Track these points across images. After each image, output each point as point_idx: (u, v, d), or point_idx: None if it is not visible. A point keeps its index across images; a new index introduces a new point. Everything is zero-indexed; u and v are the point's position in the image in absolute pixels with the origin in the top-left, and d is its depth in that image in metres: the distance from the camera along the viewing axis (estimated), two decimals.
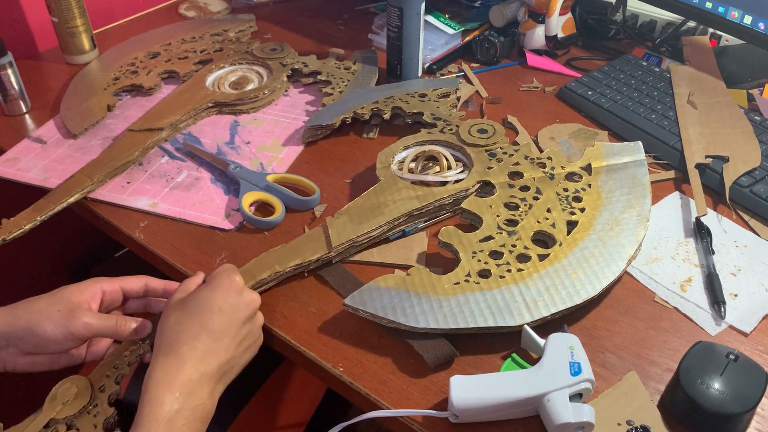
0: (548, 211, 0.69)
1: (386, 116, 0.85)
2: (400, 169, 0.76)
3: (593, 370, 0.55)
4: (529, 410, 0.53)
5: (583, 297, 0.60)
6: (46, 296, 0.58)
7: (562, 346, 0.54)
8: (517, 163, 0.75)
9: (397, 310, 0.59)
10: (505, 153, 0.77)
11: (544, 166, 0.75)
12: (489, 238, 0.66)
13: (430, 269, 0.64)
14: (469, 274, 0.62)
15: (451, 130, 0.81)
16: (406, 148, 0.79)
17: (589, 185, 0.72)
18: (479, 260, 0.64)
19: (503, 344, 0.59)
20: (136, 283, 0.62)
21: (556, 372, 0.52)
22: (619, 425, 0.53)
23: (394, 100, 0.87)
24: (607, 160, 0.76)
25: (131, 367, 0.59)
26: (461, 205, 0.70)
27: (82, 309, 0.57)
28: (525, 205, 0.70)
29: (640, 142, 0.78)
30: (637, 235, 0.66)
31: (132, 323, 0.59)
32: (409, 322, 0.58)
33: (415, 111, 0.85)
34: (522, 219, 0.68)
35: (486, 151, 0.77)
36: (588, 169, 0.75)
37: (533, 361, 0.57)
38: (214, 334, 0.54)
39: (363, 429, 0.71)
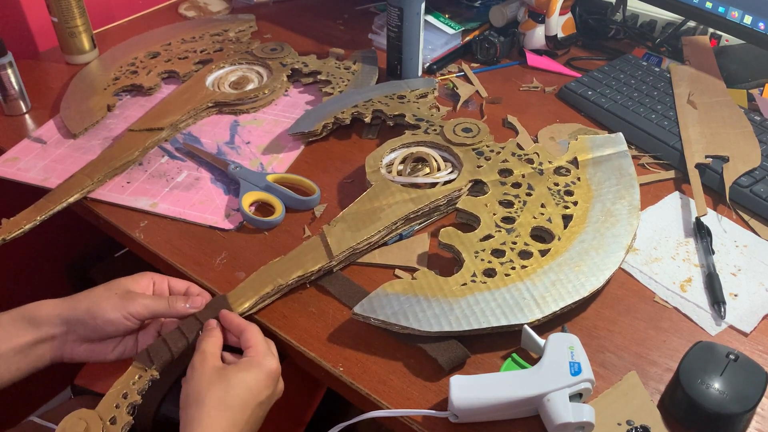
0: (542, 206, 0.70)
1: (367, 120, 0.85)
2: (389, 172, 0.76)
3: (593, 370, 0.55)
4: (529, 410, 0.53)
5: (589, 289, 0.61)
6: (102, 286, 0.61)
7: (562, 346, 0.54)
8: (505, 161, 0.76)
9: (408, 315, 0.59)
10: (492, 151, 0.77)
11: (532, 162, 0.76)
12: (489, 236, 0.66)
13: (434, 270, 0.64)
14: (474, 275, 0.62)
15: (435, 130, 0.81)
16: (393, 150, 0.79)
17: (578, 178, 0.73)
18: (482, 259, 0.64)
19: (503, 344, 0.59)
20: (180, 283, 0.64)
21: (556, 372, 0.52)
22: (619, 425, 0.53)
23: (373, 103, 0.87)
24: (592, 153, 0.76)
25: (142, 396, 0.57)
26: (457, 205, 0.70)
27: (137, 292, 0.61)
28: (519, 201, 0.70)
29: (621, 134, 0.79)
30: (631, 225, 0.67)
31: (182, 301, 0.60)
32: (423, 327, 0.58)
33: (396, 113, 0.85)
34: (518, 216, 0.68)
35: (473, 149, 0.77)
36: (575, 162, 0.75)
37: (533, 361, 0.57)
38: (249, 427, 0.55)
39: (363, 429, 0.71)
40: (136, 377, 0.57)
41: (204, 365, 0.55)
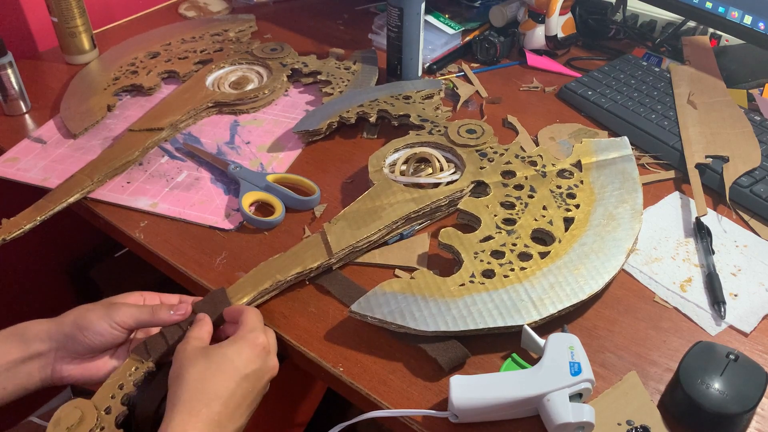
0: (544, 208, 0.69)
1: (372, 119, 0.85)
2: (392, 172, 0.76)
3: (593, 370, 0.55)
4: (529, 410, 0.53)
5: (587, 292, 0.61)
6: (91, 303, 0.60)
7: (562, 346, 0.54)
8: (508, 162, 0.76)
9: (405, 314, 0.59)
10: (495, 152, 0.77)
11: (535, 164, 0.75)
12: (489, 238, 0.66)
13: (433, 271, 0.64)
14: (473, 275, 0.62)
15: (439, 131, 0.81)
16: (396, 150, 0.79)
17: (581, 182, 0.73)
18: (482, 260, 0.64)
19: (503, 344, 0.59)
20: (172, 297, 0.63)
21: (556, 372, 0.52)
22: (619, 425, 0.53)
23: (379, 103, 0.87)
24: (596, 156, 0.76)
25: (138, 387, 0.57)
26: (458, 206, 0.70)
27: (122, 302, 0.60)
28: (521, 203, 0.70)
29: (626, 138, 0.79)
30: (633, 229, 0.67)
31: (166, 309, 0.59)
32: (419, 326, 0.58)
33: (401, 113, 0.85)
34: (519, 218, 0.68)
35: (477, 151, 0.77)
36: (578, 165, 0.75)
37: (533, 361, 0.57)
38: (235, 401, 0.53)
39: (363, 429, 0.71)
40: (133, 369, 0.57)
41: (186, 347, 0.55)
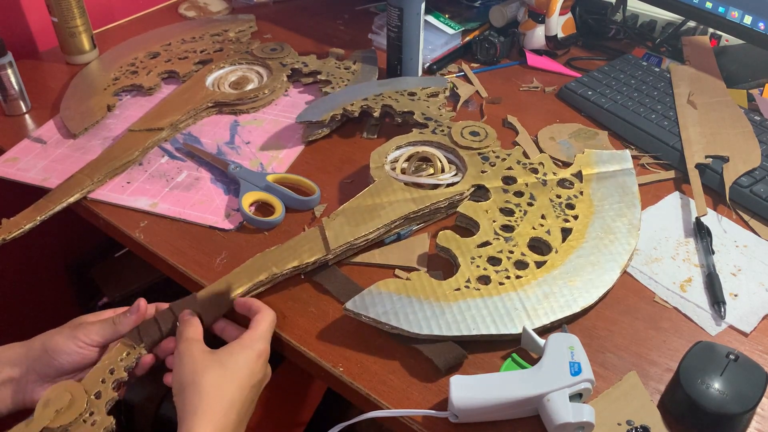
0: (543, 217, 0.69)
1: (376, 114, 0.85)
2: (393, 169, 0.76)
3: (593, 370, 0.55)
4: (529, 410, 0.53)
5: (581, 305, 0.61)
6: (59, 327, 0.60)
7: (562, 346, 0.54)
8: (510, 168, 0.76)
9: (399, 315, 0.59)
10: (497, 157, 0.77)
11: (536, 171, 0.75)
12: (486, 243, 0.66)
13: (431, 273, 0.64)
14: (469, 280, 0.62)
15: (442, 131, 0.81)
16: (398, 148, 0.79)
17: (581, 192, 0.73)
18: (478, 266, 0.64)
19: (503, 344, 0.59)
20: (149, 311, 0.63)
21: (556, 372, 0.52)
22: (619, 425, 0.53)
23: (383, 98, 0.87)
24: (597, 168, 0.76)
25: (129, 373, 0.57)
26: (458, 210, 0.70)
27: (89, 321, 0.60)
28: (520, 210, 0.70)
29: (627, 151, 0.79)
30: (630, 244, 0.67)
31: (124, 314, 0.59)
32: (413, 328, 0.58)
33: (405, 110, 0.85)
34: (518, 225, 0.68)
35: (479, 154, 0.77)
36: (579, 176, 0.75)
37: (533, 361, 0.57)
38: (245, 409, 0.55)
39: (363, 429, 0.71)
40: (124, 354, 0.57)
41: (192, 351, 0.55)
